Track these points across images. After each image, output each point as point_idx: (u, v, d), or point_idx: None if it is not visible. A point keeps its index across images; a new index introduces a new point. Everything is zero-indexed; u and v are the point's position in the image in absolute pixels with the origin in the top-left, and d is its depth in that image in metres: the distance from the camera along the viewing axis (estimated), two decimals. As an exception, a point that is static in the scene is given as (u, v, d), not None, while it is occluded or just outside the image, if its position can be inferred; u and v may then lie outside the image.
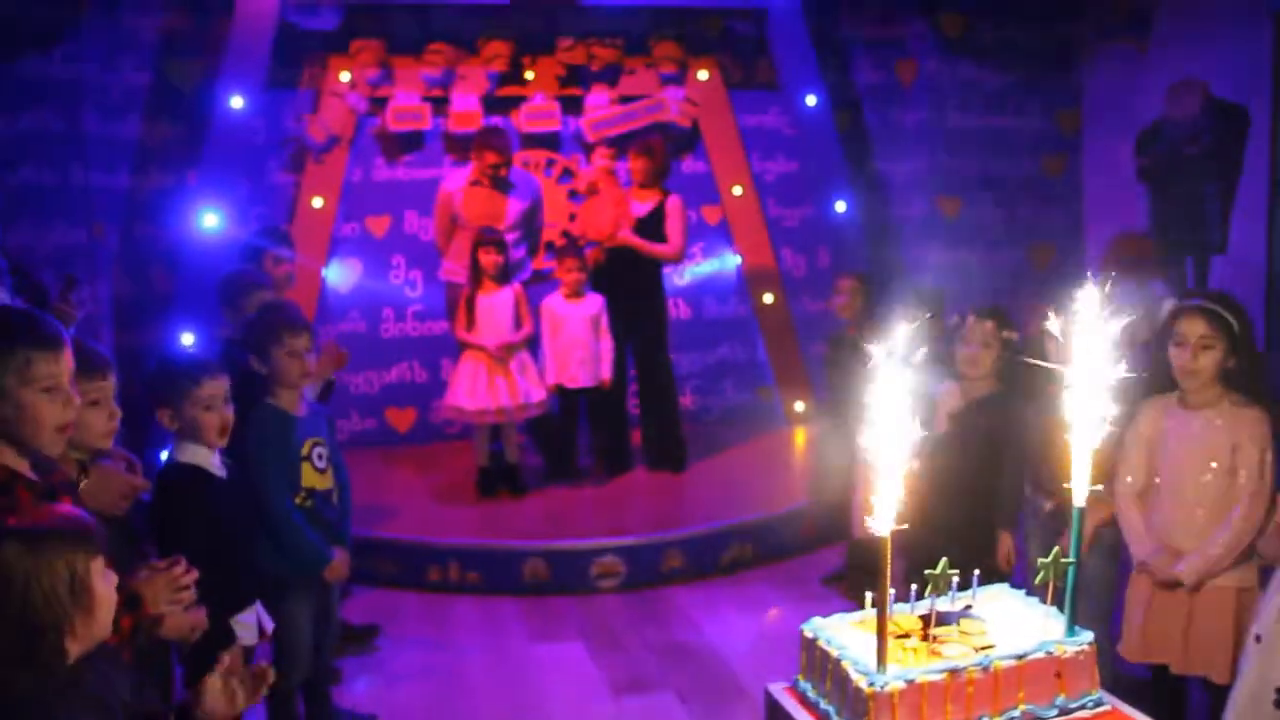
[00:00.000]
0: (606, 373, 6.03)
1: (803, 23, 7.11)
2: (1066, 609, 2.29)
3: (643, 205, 6.15)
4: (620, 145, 6.79)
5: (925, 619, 2.28)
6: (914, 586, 2.31)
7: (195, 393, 2.91)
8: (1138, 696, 2.42)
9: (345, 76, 6.77)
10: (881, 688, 2.07)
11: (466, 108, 6.87)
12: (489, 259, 5.72)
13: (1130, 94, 7.20)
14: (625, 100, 7.13)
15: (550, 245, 6.80)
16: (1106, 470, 3.28)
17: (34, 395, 2.06)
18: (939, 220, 7.67)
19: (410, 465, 6.68)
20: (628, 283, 6.14)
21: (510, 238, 5.93)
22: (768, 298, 7.38)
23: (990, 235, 7.57)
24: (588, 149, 7.13)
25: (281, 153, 6.88)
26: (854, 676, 2.12)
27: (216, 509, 2.93)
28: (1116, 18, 7.29)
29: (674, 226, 6.13)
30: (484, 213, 5.97)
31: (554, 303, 6.02)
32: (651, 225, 6.11)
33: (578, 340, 5.96)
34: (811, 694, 2.29)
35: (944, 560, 2.26)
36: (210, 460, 2.97)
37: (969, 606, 2.37)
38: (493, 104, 6.95)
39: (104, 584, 1.75)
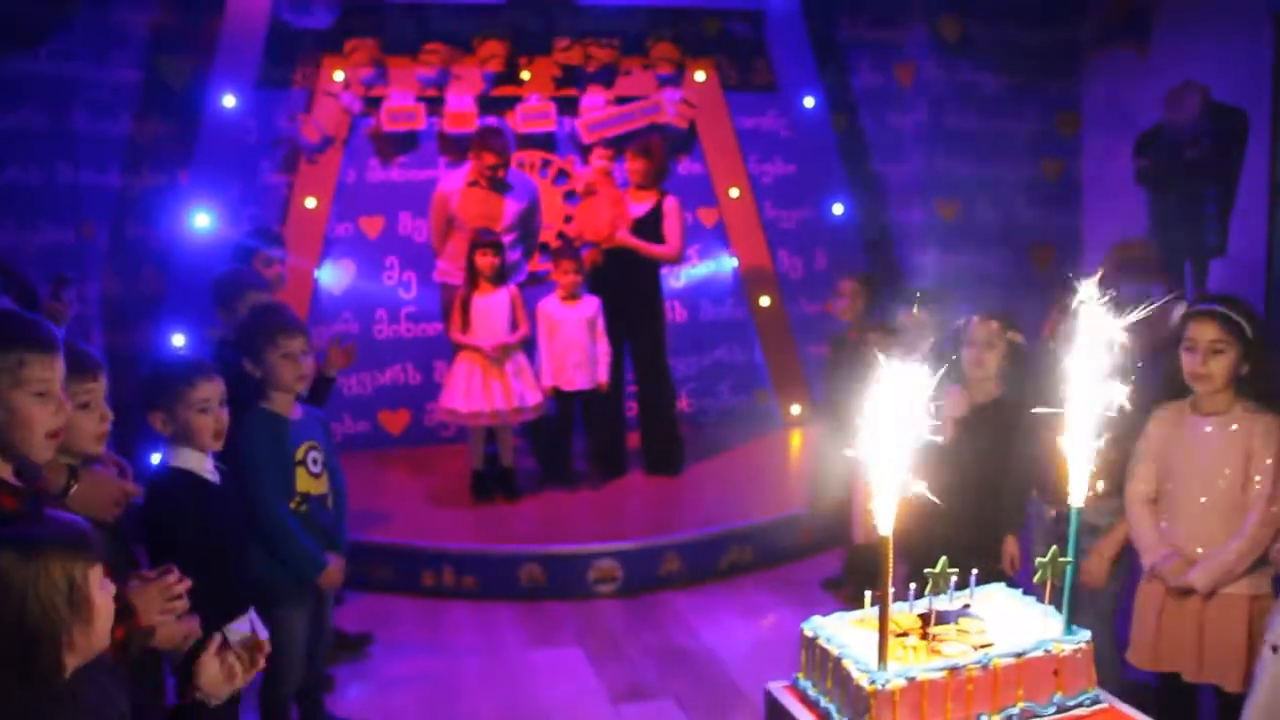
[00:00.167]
0: (603, 375, 5.99)
1: (801, 24, 7.10)
2: (1064, 608, 2.30)
3: (640, 206, 6.11)
4: (618, 146, 6.74)
5: (924, 618, 2.30)
6: (912, 585, 2.33)
7: (189, 395, 2.85)
8: (1146, 704, 2.38)
9: (339, 76, 6.71)
10: (883, 685, 2.09)
11: (461, 108, 6.83)
12: (485, 261, 5.67)
13: (1129, 97, 7.18)
14: (622, 101, 7.10)
15: (545, 247, 6.75)
16: (1117, 478, 3.24)
17: (25, 399, 2.01)
18: (937, 223, 7.64)
19: (404, 468, 6.62)
20: (626, 284, 6.09)
21: (507, 239, 5.88)
22: (764, 300, 7.34)
23: (988, 238, 7.54)
24: (584, 150, 7.08)
25: (274, 152, 6.83)
26: (855, 674, 2.14)
27: (210, 515, 2.87)
28: (1116, 21, 7.27)
29: (672, 227, 6.08)
30: (481, 214, 5.92)
31: (550, 305, 5.97)
32: (649, 226, 6.07)
33: (574, 343, 5.91)
34: (812, 692, 2.30)
35: (943, 559, 2.26)
36: (204, 465, 2.91)
37: (967, 605, 2.39)
38: (488, 104, 6.91)
39: (102, 594, 1.69)
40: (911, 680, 2.11)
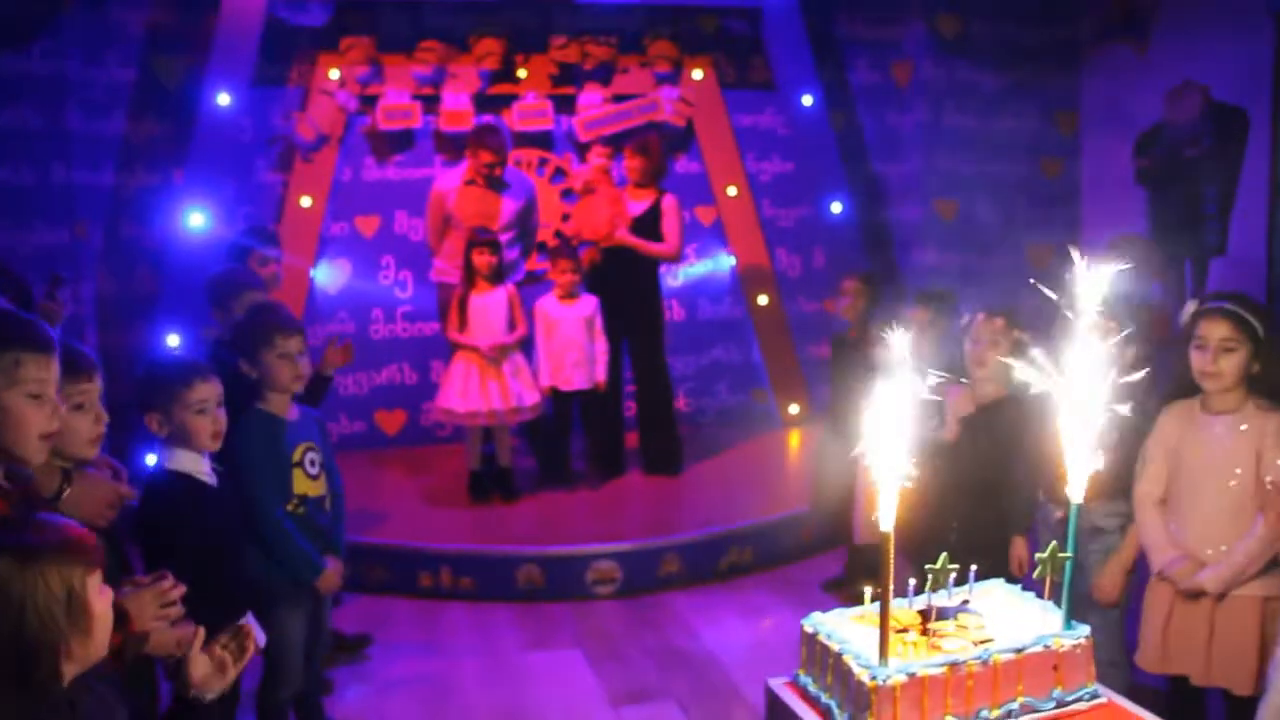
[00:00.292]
0: (601, 375, 5.95)
1: (799, 22, 7.07)
2: (1064, 603, 2.30)
3: (638, 204, 6.08)
4: (616, 144, 6.71)
5: (923, 614, 2.32)
6: (912, 581, 2.33)
7: (186, 396, 2.81)
8: (1154, 707, 2.35)
9: (334, 74, 6.67)
10: (884, 681, 2.10)
11: (458, 106, 6.80)
12: (483, 260, 5.63)
13: (1129, 96, 7.15)
14: (619, 99, 7.07)
15: (543, 246, 6.71)
16: (1124, 479, 3.20)
17: (19, 399, 1.97)
18: (936, 222, 7.61)
19: (400, 469, 6.58)
20: (624, 283, 6.06)
21: (504, 238, 5.84)
22: (762, 299, 7.31)
23: (987, 237, 7.51)
24: (581, 148, 7.05)
25: (269, 151, 6.79)
26: (856, 670, 2.15)
27: (207, 518, 2.83)
28: (1115, 19, 7.24)
29: (670, 225, 6.05)
30: (478, 212, 5.88)
31: (548, 304, 5.93)
32: (648, 224, 6.03)
33: (572, 342, 5.87)
34: (812, 688, 2.31)
35: (944, 555, 2.27)
36: (201, 467, 2.87)
37: (966, 601, 2.40)
38: (484, 102, 6.87)
39: (101, 601, 1.64)
40: (912, 676, 2.11)
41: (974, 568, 2.40)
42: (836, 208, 7.23)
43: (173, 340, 5.95)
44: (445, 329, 5.86)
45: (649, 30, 7.10)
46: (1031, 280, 2.30)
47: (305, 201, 6.71)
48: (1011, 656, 2.19)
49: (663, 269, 6.32)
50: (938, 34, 7.46)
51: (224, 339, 3.98)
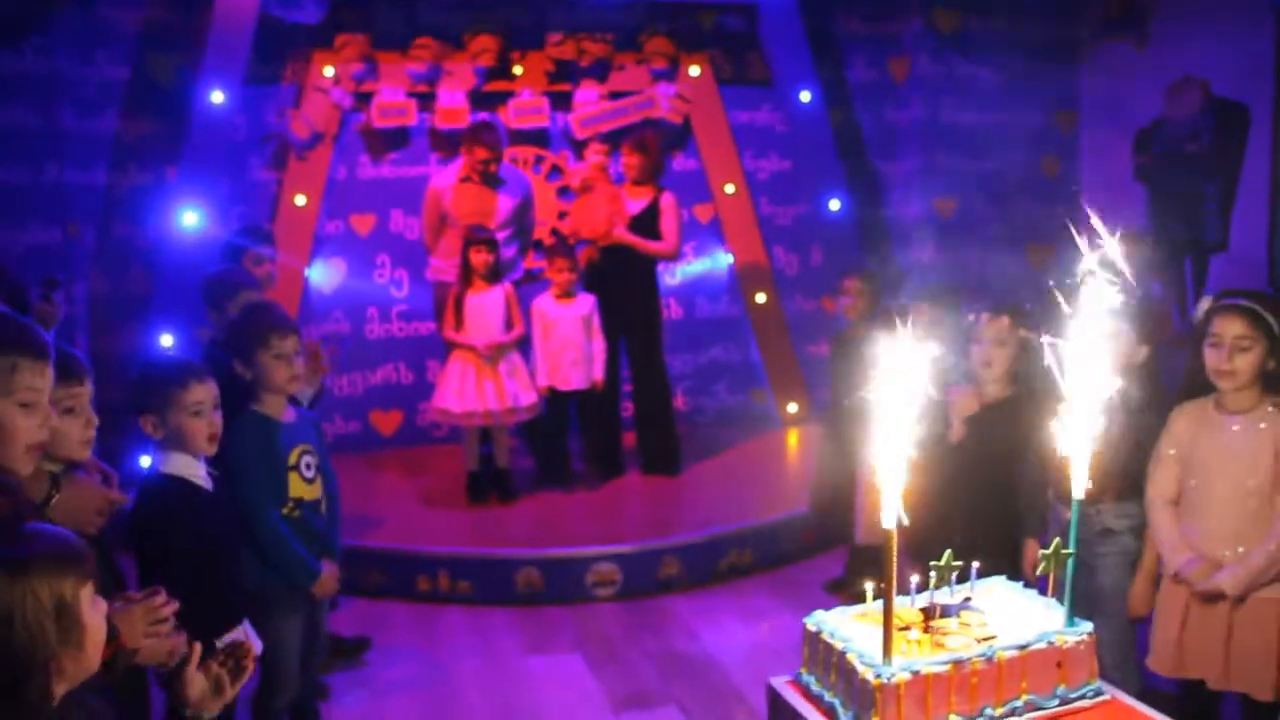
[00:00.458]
0: (599, 374, 5.90)
1: (796, 18, 7.03)
2: (1066, 599, 2.31)
3: (636, 202, 6.02)
4: (613, 141, 6.66)
5: (926, 611, 2.31)
6: (914, 579, 2.33)
7: (182, 398, 2.75)
8: (1168, 712, 2.31)
9: (329, 71, 6.61)
10: (888, 679, 2.10)
11: (453, 103, 6.74)
12: (479, 258, 5.58)
13: (1129, 92, 7.12)
14: (615, 96, 7.02)
15: (540, 244, 6.66)
16: (1135, 479, 3.16)
17: (11, 408, 1.92)
18: (934, 219, 7.57)
19: (396, 470, 6.52)
20: (622, 281, 6.00)
21: (501, 236, 5.80)
22: (760, 297, 7.26)
23: (987, 235, 7.46)
24: (577, 146, 7.00)
25: (263, 149, 6.73)
26: (860, 668, 2.15)
27: (203, 523, 2.77)
28: (1114, 14, 7.20)
29: (669, 223, 6.00)
30: (474, 210, 5.83)
31: (545, 304, 5.88)
32: (646, 222, 5.98)
33: (569, 341, 5.82)
34: (815, 687, 2.31)
35: (948, 553, 2.26)
36: (196, 470, 2.81)
37: (968, 599, 2.40)
38: (480, 100, 6.81)
39: (94, 614, 1.57)
40: (916, 674, 2.11)
41: (975, 565, 2.40)
42: (834, 205, 7.19)
43: (167, 341, 5.89)
44: (441, 328, 5.81)
45: (646, 27, 7.05)
46: (1050, 283, 2.27)
47: (300, 200, 6.65)
48: (1015, 654, 2.19)
49: (661, 267, 6.27)
50: (936, 30, 7.41)
51: (219, 339, 3.92)
